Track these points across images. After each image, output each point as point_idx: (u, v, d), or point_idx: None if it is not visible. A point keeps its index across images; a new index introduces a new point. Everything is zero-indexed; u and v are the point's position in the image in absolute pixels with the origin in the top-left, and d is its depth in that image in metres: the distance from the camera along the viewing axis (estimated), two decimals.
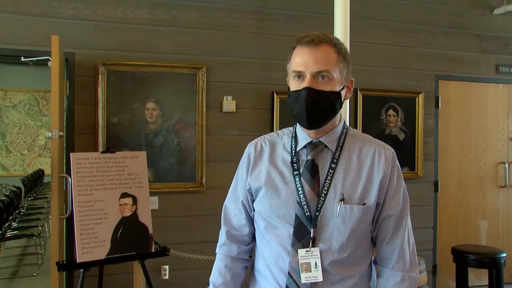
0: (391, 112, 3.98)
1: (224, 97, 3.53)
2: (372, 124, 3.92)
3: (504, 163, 4.41)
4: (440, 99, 4.17)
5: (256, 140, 1.39)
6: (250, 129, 3.54)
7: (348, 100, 3.08)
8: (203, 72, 3.42)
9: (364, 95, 3.88)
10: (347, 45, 3.01)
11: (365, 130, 3.88)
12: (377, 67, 3.95)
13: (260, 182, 1.29)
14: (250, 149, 1.38)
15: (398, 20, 4.02)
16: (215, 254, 1.43)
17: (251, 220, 1.37)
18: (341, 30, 3.01)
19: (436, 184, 4.17)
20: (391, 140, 3.98)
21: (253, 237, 1.39)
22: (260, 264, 1.32)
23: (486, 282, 3.41)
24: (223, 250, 1.40)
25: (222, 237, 1.41)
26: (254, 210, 1.34)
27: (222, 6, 3.53)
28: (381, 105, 3.95)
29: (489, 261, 3.29)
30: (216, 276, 1.38)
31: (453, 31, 4.19)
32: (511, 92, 4.46)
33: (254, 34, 3.61)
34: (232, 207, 1.40)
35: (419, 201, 4.09)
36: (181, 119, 3.40)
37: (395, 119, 3.99)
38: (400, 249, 1.27)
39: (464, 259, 3.35)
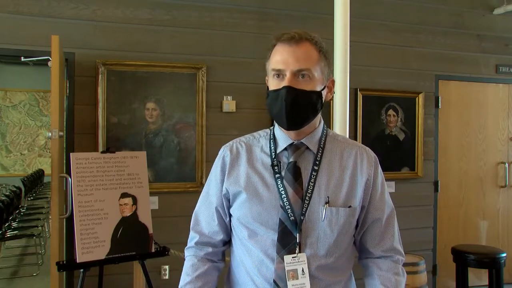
0: (391, 112, 3.98)
1: (224, 97, 3.53)
2: (372, 124, 3.92)
3: (504, 163, 4.41)
4: (440, 99, 4.17)
5: (230, 142, 1.32)
6: (250, 129, 3.49)
7: (348, 100, 3.08)
8: (203, 72, 3.42)
9: (364, 95, 3.88)
10: (347, 45, 3.02)
11: (365, 130, 3.88)
12: (377, 67, 3.95)
13: (239, 187, 1.22)
14: (225, 152, 1.30)
15: (398, 20, 4.02)
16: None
17: (224, 227, 1.30)
18: (341, 30, 3.01)
19: (436, 184, 4.17)
20: (391, 140, 3.98)
21: (224, 243, 1.33)
22: (239, 273, 1.26)
23: (486, 282, 3.40)
24: (189, 251, 1.33)
25: (189, 243, 1.34)
26: (230, 216, 1.28)
27: (222, 6, 3.53)
28: (381, 105, 3.95)
29: (489, 261, 3.29)
30: (183, 277, 1.28)
31: (453, 31, 4.19)
32: (511, 92, 4.46)
33: (254, 34, 3.61)
34: (204, 213, 1.32)
35: (419, 201, 4.09)
36: (181, 119, 3.40)
37: (395, 119, 3.99)
38: (391, 247, 1.28)
39: (464, 259, 3.35)
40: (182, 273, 1.31)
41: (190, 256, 1.32)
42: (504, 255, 3.30)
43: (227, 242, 1.34)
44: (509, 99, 4.45)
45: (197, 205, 1.36)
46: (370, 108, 3.90)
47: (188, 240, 1.35)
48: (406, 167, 4.03)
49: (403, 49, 4.04)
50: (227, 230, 1.31)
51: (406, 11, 4.06)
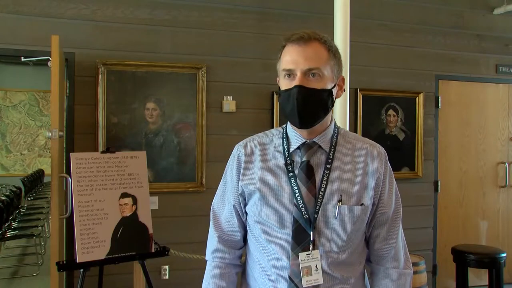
0: (391, 112, 3.98)
1: (224, 97, 3.53)
2: (372, 124, 3.92)
3: (504, 163, 4.41)
4: (440, 99, 4.17)
5: (244, 141, 1.33)
6: (250, 129, 3.53)
7: (348, 100, 3.08)
8: (203, 72, 3.42)
9: (364, 95, 3.88)
10: (347, 45, 3.02)
11: (365, 130, 3.88)
12: (377, 67, 3.95)
13: (254, 186, 1.24)
14: (239, 150, 1.31)
15: (398, 20, 4.02)
16: (205, 260, 1.37)
17: (243, 225, 1.32)
18: (341, 30, 3.01)
19: (436, 184, 4.16)
20: (391, 140, 3.98)
21: (244, 242, 1.35)
22: (255, 270, 1.28)
23: (486, 282, 3.41)
24: (215, 256, 1.33)
25: (213, 242, 1.34)
26: (246, 214, 1.30)
27: (222, 6, 3.53)
28: (381, 105, 3.95)
29: (489, 261, 3.29)
30: (210, 284, 1.31)
31: (453, 31, 4.19)
32: (511, 92, 4.46)
33: (254, 34, 3.61)
34: (223, 212, 1.34)
35: (419, 201, 4.09)
36: (181, 119, 3.40)
37: (395, 119, 3.99)
38: (395, 247, 1.28)
39: (464, 259, 3.35)
40: (208, 278, 1.32)
41: (217, 263, 1.33)
42: (504, 255, 3.30)
43: (244, 242, 1.35)
44: (509, 99, 4.45)
45: (214, 205, 1.37)
46: (370, 108, 3.90)
47: (209, 238, 1.36)
48: (406, 167, 4.03)
49: (403, 49, 4.04)
50: (245, 229, 1.33)
51: (406, 11, 4.06)
